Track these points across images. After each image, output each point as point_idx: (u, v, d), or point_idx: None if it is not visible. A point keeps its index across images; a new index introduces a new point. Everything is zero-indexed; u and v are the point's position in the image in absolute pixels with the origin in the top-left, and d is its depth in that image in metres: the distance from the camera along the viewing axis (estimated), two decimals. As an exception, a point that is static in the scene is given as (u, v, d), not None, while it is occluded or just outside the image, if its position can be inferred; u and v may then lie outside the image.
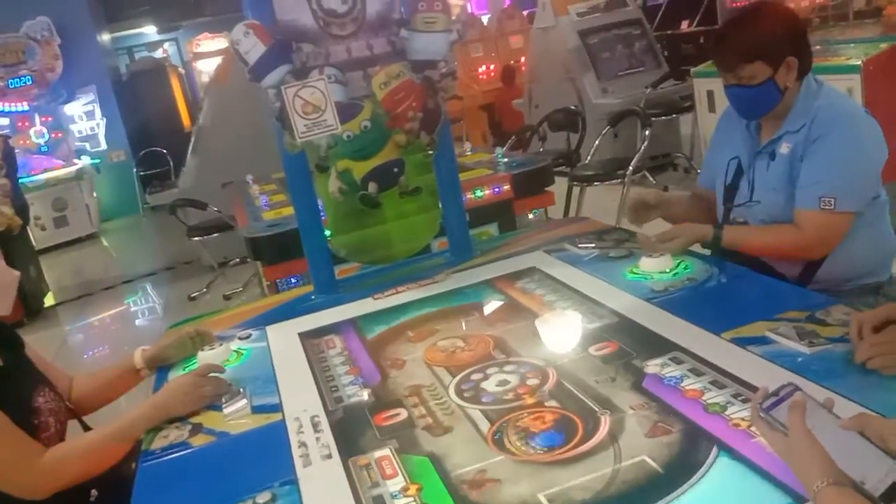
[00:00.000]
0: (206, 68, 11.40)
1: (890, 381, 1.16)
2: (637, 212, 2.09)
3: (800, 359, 1.27)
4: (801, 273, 1.86)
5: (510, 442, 1.22)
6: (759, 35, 1.79)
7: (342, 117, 2.00)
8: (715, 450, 1.08)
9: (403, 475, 1.17)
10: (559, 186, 4.10)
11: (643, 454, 1.11)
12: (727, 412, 1.15)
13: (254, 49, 1.94)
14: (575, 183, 4.58)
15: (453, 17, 2.11)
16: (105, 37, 10.46)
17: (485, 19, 11.11)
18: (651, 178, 6.07)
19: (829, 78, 3.95)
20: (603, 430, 1.20)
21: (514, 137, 5.88)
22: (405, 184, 2.18)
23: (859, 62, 3.93)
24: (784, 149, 1.85)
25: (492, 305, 1.91)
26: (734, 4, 6.74)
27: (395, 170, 2.15)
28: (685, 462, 1.07)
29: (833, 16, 5.89)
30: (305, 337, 1.87)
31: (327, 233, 2.19)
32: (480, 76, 9.62)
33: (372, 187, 2.13)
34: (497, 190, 3.37)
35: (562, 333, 1.66)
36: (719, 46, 1.87)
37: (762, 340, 1.36)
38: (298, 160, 2.08)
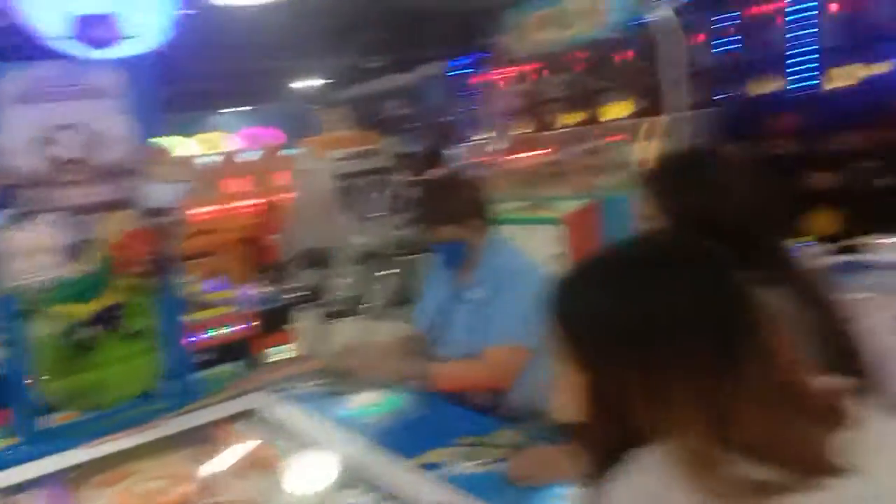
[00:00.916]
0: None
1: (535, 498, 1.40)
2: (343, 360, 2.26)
3: (467, 477, 1.50)
4: (492, 401, 2.14)
5: None
6: (449, 204, 2.15)
7: (66, 260, 1.99)
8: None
9: None
10: (309, 321, 4.21)
11: None
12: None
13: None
14: (322, 318, 4.74)
15: (187, 168, 2.24)
16: None
17: (257, 154, 11.32)
18: (395, 313, 6.41)
19: (539, 227, 4.65)
20: None
21: (269, 272, 5.97)
22: (128, 326, 2.17)
23: (561, 216, 4.66)
24: (476, 295, 2.18)
25: (206, 450, 1.94)
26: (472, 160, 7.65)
27: (117, 313, 2.15)
28: None
29: (550, 173, 6.93)
30: (3, 494, 1.74)
31: (42, 378, 2.09)
32: (241, 210, 9.68)
33: (90, 331, 2.10)
34: (238, 328, 3.43)
35: (275, 477, 1.73)
36: (419, 211, 2.22)
37: (442, 464, 1.57)
38: (7, 303, 2.00)
